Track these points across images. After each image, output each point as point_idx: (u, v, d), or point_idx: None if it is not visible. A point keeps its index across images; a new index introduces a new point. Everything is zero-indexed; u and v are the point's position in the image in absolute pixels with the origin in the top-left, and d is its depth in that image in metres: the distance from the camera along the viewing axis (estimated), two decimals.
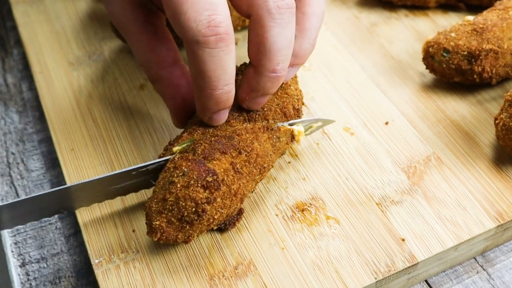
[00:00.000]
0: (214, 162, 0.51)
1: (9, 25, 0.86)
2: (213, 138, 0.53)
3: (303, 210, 0.58)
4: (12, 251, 0.59)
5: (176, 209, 0.49)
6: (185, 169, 0.50)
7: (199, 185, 0.49)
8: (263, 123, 0.57)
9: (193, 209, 0.49)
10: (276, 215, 0.57)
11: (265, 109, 0.57)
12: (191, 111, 0.58)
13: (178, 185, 0.49)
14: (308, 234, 0.56)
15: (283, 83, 0.59)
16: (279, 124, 0.57)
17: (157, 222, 0.50)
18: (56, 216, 0.62)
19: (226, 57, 0.50)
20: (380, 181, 0.60)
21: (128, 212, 0.58)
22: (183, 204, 0.49)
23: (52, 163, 0.67)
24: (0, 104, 0.75)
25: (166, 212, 0.50)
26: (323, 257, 0.54)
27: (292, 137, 0.59)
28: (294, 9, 0.53)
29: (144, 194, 0.59)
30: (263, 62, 0.53)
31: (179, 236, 0.50)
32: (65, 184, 0.62)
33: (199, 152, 0.51)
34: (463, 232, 0.55)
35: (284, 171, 0.61)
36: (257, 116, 0.57)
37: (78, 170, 0.62)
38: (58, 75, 0.73)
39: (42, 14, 0.83)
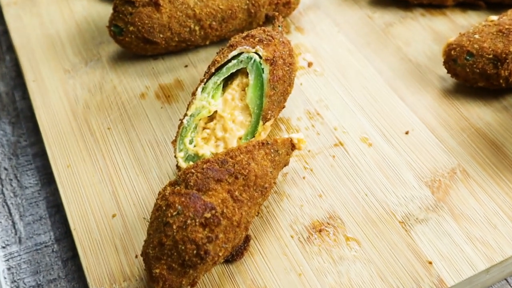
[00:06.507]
0: (210, 193, 0.47)
1: (0, 29, 0.82)
2: (204, 165, 0.49)
3: (320, 231, 0.53)
4: (5, 278, 0.55)
5: (175, 254, 0.45)
6: (179, 207, 0.45)
7: (197, 223, 0.45)
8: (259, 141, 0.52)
9: (195, 251, 0.45)
10: (291, 236, 0.53)
11: None
12: None
13: (174, 227, 0.45)
14: (327, 258, 0.51)
15: None
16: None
17: (157, 270, 0.45)
18: (52, 238, 0.57)
19: None
20: (402, 197, 0.56)
21: (130, 234, 0.54)
22: (183, 247, 0.44)
23: (48, 178, 0.63)
24: None
25: (165, 257, 0.45)
26: (344, 283, 0.50)
27: (293, 146, 0.55)
28: None
29: (147, 217, 0.55)
30: None
31: (183, 282, 0.46)
32: (61, 202, 0.57)
33: (192, 184, 0.47)
34: (495, 253, 0.51)
35: (298, 187, 0.57)
36: None
37: (75, 188, 0.58)
38: (53, 83, 0.69)
39: (35, 17, 0.78)
